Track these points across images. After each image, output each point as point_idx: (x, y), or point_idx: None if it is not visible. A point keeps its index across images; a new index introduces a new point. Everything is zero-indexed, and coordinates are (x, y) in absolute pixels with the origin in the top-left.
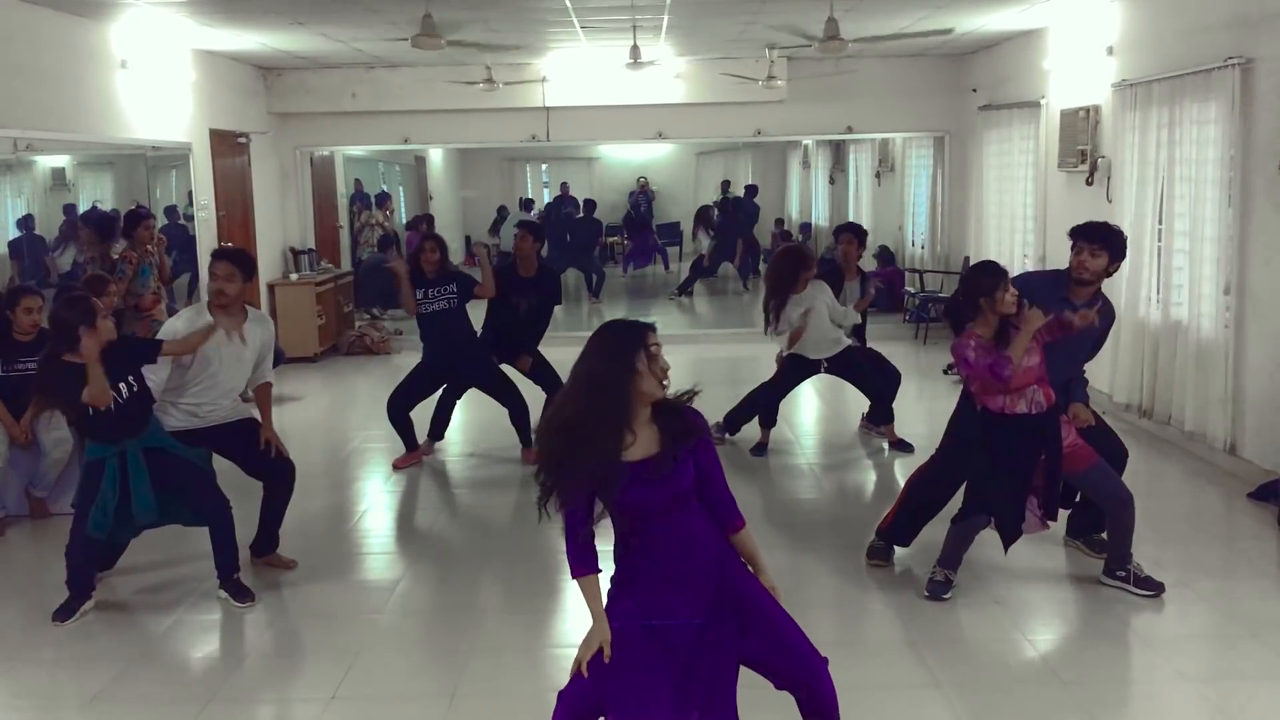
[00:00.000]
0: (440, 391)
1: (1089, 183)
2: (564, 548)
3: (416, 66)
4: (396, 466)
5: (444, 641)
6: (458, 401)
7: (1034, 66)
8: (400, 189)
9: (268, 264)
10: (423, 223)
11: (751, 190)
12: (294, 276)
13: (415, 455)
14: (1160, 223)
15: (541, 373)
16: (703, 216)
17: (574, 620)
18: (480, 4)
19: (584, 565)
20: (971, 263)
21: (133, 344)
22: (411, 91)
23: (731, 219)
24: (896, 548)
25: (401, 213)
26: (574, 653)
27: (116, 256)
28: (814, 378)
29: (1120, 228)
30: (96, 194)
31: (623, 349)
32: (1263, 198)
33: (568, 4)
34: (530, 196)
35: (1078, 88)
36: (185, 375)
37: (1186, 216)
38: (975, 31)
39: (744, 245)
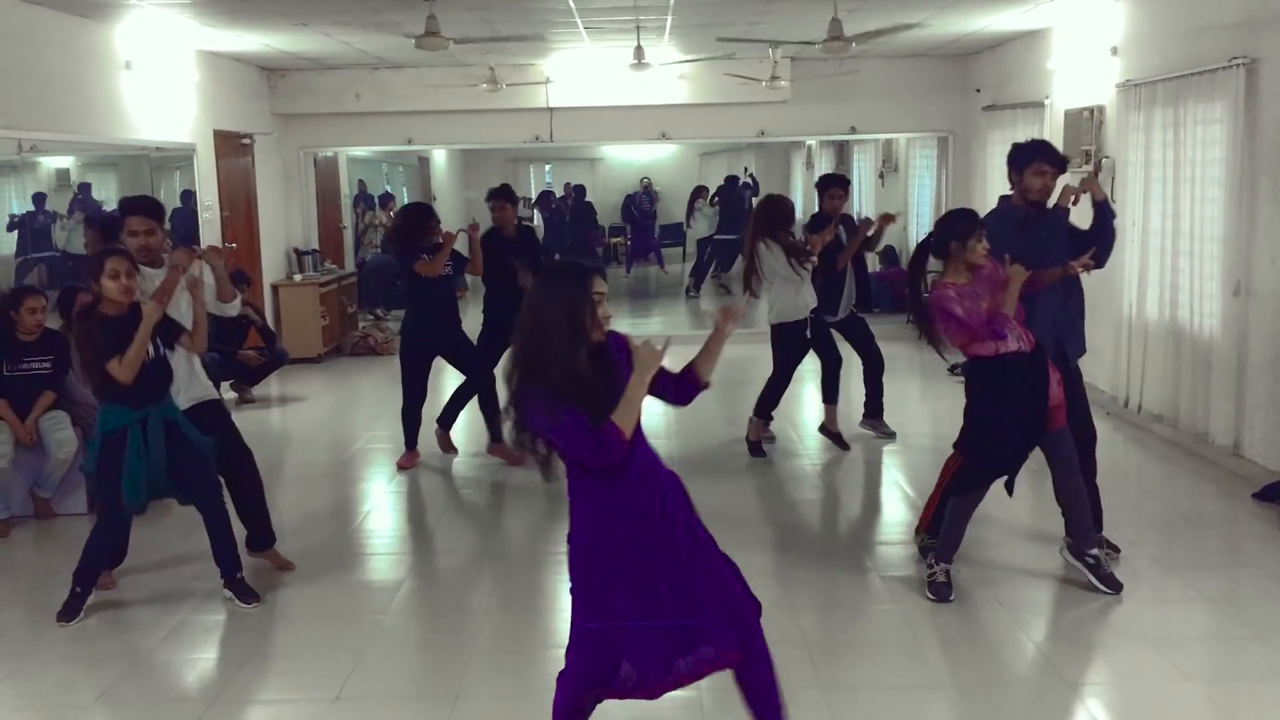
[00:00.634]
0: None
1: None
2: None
3: (420, 67)
4: (401, 466)
5: (448, 642)
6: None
7: (1038, 67)
8: (404, 190)
9: (272, 265)
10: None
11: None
12: (298, 277)
13: (414, 456)
14: (1165, 223)
15: None
16: (698, 196)
17: None
18: (484, 5)
19: (605, 427)
20: None
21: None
22: (415, 92)
23: (731, 196)
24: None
25: None
26: None
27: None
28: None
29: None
30: (101, 195)
31: (565, 294)
32: (1268, 198)
33: (571, 4)
34: (531, 195)
35: (1082, 88)
36: None
37: (1191, 217)
38: (979, 32)
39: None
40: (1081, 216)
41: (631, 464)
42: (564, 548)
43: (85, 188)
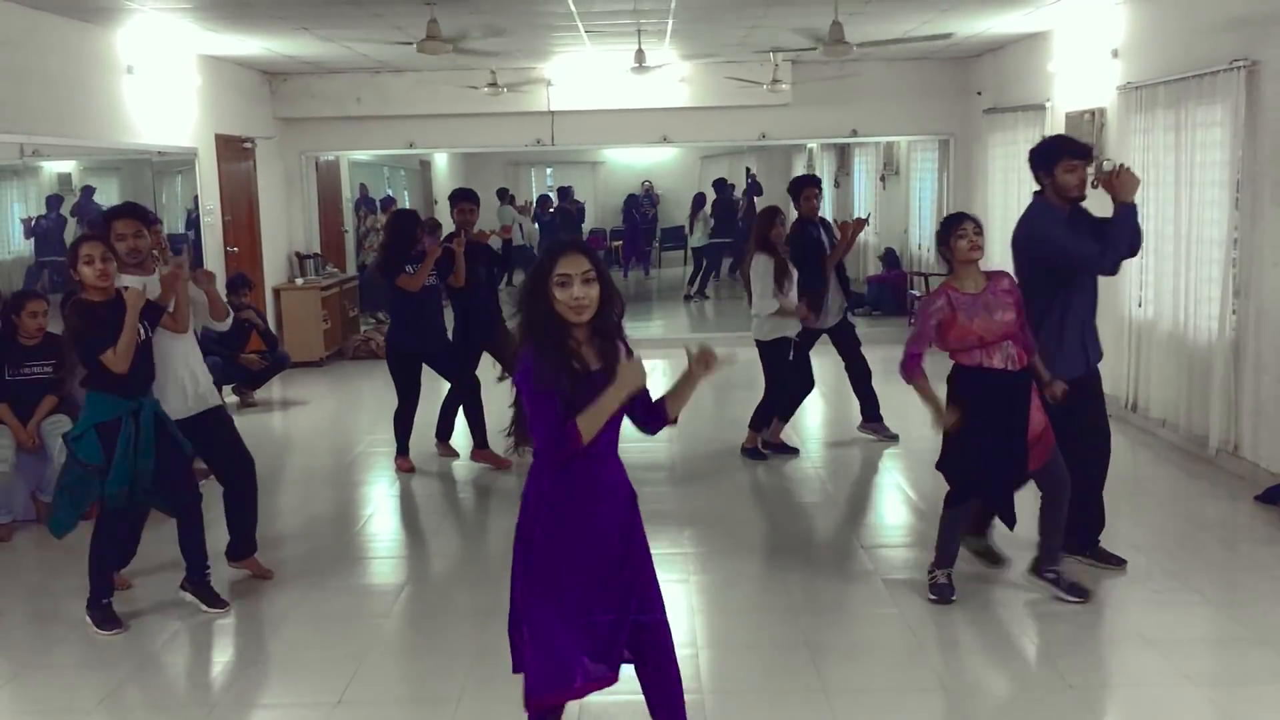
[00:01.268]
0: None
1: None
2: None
3: (421, 71)
4: (401, 469)
5: (450, 646)
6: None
7: (1039, 69)
8: (405, 193)
9: (273, 268)
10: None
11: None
12: (299, 281)
13: (406, 461)
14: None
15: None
16: (698, 204)
17: None
18: (485, 8)
19: (568, 426)
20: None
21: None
22: (416, 96)
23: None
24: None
25: None
26: None
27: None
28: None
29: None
30: (102, 199)
31: (536, 273)
32: (1269, 200)
33: (572, 8)
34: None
35: (1083, 90)
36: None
37: (1192, 219)
38: (980, 34)
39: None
40: (1097, 205)
41: (581, 457)
42: None
43: (88, 190)
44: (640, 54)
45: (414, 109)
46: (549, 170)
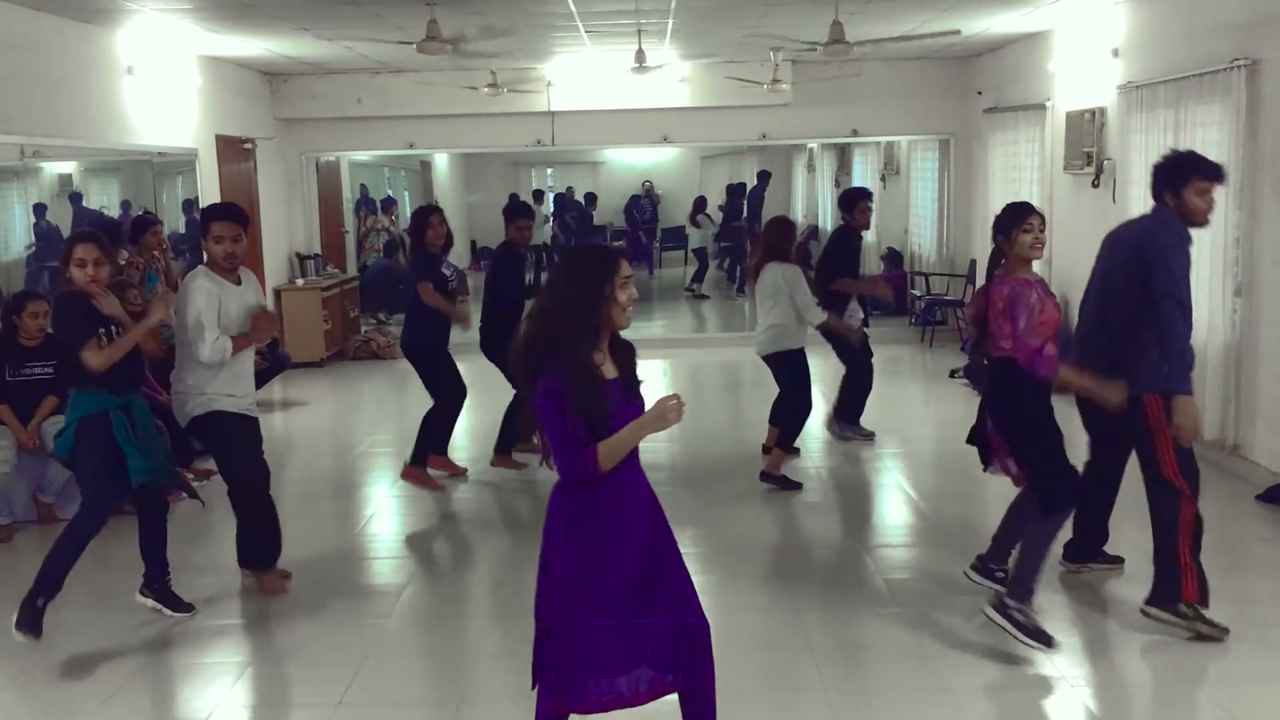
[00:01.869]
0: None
1: (1095, 185)
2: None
3: (421, 71)
4: (453, 474)
5: (450, 647)
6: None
7: (1039, 69)
8: (405, 194)
9: (274, 269)
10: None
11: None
12: (300, 281)
13: (437, 466)
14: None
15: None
16: (699, 206)
17: None
18: (485, 9)
19: (587, 451)
20: (978, 265)
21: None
22: (416, 97)
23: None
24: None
25: (406, 217)
26: None
27: (122, 263)
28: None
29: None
30: (103, 200)
31: (595, 276)
32: (1270, 199)
33: (572, 8)
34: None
35: (1083, 90)
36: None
37: None
38: (981, 34)
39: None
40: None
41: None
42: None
43: (76, 198)
44: (640, 54)
45: (414, 109)
46: (549, 170)
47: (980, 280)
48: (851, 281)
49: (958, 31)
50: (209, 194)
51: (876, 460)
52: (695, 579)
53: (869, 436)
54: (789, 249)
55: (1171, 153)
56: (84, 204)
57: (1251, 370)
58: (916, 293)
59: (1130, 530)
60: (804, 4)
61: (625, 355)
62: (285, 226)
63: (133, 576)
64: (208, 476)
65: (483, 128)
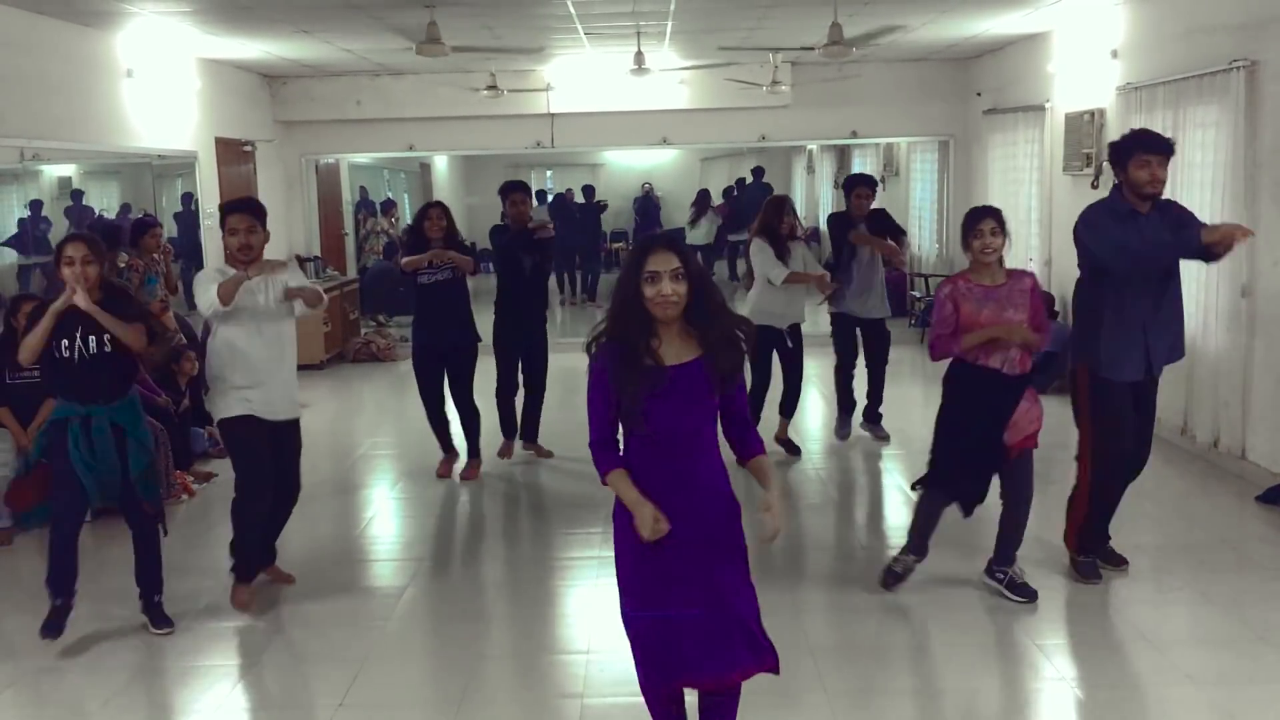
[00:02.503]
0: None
1: (1094, 186)
2: (570, 552)
3: (421, 74)
4: (440, 475)
5: (451, 649)
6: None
7: (1038, 70)
8: (405, 196)
9: None
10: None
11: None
12: None
13: (453, 460)
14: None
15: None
16: (702, 201)
17: (581, 627)
18: (485, 11)
19: (607, 464)
20: None
21: (117, 301)
22: (416, 99)
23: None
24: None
25: (406, 219)
26: (580, 658)
27: (122, 265)
28: (818, 380)
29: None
30: (103, 202)
31: (629, 268)
32: (1269, 200)
33: (572, 10)
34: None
35: (1082, 91)
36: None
37: None
38: (980, 35)
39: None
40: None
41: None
42: (566, 553)
43: (77, 195)
44: (639, 56)
45: (414, 111)
46: (549, 172)
47: None
48: (866, 235)
49: (904, 27)
50: (209, 196)
51: (877, 460)
52: None
53: (846, 435)
54: (778, 225)
55: (1125, 132)
56: (84, 204)
57: (1252, 372)
58: (916, 294)
59: (1131, 532)
60: (804, 5)
61: (720, 342)
62: (285, 229)
63: (129, 579)
64: (208, 479)
65: (482, 130)
